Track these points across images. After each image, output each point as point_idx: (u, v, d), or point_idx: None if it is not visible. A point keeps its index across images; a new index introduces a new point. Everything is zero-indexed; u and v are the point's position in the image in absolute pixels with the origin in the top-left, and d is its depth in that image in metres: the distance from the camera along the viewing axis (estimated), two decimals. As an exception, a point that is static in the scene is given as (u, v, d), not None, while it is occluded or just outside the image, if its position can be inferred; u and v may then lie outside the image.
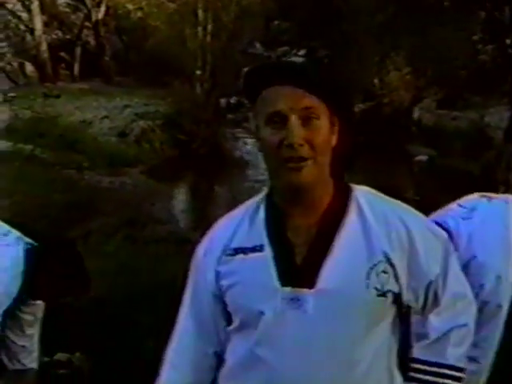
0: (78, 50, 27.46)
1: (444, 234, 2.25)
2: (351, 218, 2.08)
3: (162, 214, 12.73)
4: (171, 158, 18.32)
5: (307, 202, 2.09)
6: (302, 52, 29.11)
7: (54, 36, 28.38)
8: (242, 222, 2.17)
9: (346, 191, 2.16)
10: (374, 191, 2.20)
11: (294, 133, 1.97)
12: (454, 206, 3.65)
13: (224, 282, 2.11)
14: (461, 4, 21.59)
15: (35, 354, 4.34)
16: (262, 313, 2.03)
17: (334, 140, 2.11)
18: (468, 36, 22.26)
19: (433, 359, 2.15)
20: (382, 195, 2.20)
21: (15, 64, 26.48)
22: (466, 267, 3.34)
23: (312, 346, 2.00)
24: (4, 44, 26.74)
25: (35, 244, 3.89)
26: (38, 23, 25.98)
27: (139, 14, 27.87)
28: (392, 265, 2.03)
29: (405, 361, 2.19)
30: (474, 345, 3.39)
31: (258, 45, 29.94)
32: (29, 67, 26.38)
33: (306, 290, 2.00)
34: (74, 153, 16.66)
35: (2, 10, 27.24)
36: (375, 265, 2.02)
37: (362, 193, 2.16)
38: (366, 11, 21.85)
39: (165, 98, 20.90)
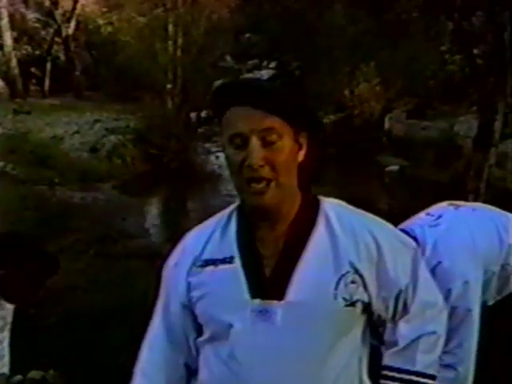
0: (49, 66, 27.34)
1: (412, 242, 2.24)
2: (319, 230, 2.10)
3: (133, 228, 12.67)
4: (143, 173, 18.26)
5: (273, 217, 2.10)
6: (272, 64, 29.17)
7: (24, 52, 28.23)
8: (213, 234, 2.18)
9: (314, 203, 2.18)
10: (342, 203, 2.22)
11: (254, 154, 1.98)
12: (422, 214, 3.71)
13: (194, 294, 2.12)
14: (429, 15, 21.77)
15: (6, 359, 4.36)
16: (231, 325, 2.05)
17: (300, 156, 2.12)
18: (436, 46, 22.45)
19: (402, 366, 2.17)
20: (350, 207, 2.21)
21: (-15, 80, 26.32)
22: (432, 273, 3.39)
23: (281, 357, 2.01)
24: (-26, 60, 26.57)
25: None
26: (8, 39, 25.82)
27: (109, 28, 27.84)
28: (360, 275, 2.04)
29: (375, 370, 2.22)
30: (449, 352, 3.45)
31: (228, 58, 29.99)
32: (-1, 83, 26.23)
33: (275, 302, 2.01)
34: (46, 169, 16.55)
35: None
36: (343, 275, 2.03)
37: (330, 205, 2.18)
38: (338, 25, 22.01)
39: (135, 113, 20.83)
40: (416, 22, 21.96)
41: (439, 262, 3.41)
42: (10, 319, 4.20)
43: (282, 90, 2.16)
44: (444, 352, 3.51)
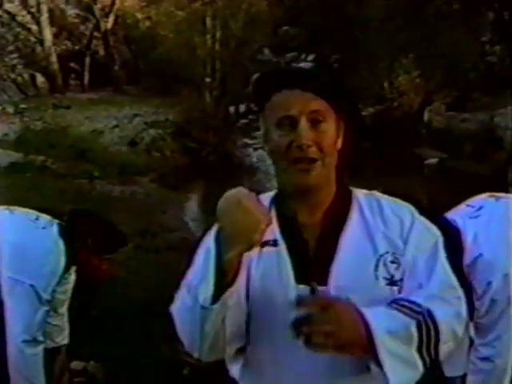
0: (88, 60, 27.51)
1: (437, 231, 2.19)
2: (353, 217, 2.14)
3: (173, 221, 12.74)
4: (182, 166, 18.33)
5: (313, 201, 2.14)
6: (310, 57, 29.10)
7: (64, 47, 28.41)
8: None
9: (347, 192, 2.22)
10: (374, 192, 2.26)
11: (304, 134, 2.04)
12: (462, 206, 3.68)
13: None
14: (469, 6, 21.59)
15: (66, 332, 4.66)
16: (276, 309, 2.07)
17: (339, 143, 2.17)
18: (476, 37, 22.23)
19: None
20: (380, 194, 2.24)
21: (26, 75, 26.55)
22: (472, 265, 3.38)
23: None
24: (14, 56, 26.79)
25: (62, 222, 4.22)
26: (48, 34, 26.04)
27: (148, 23, 27.91)
28: (396, 255, 2.08)
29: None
30: (487, 344, 3.43)
31: (266, 51, 29.93)
32: (39, 78, 26.44)
33: (321, 288, 2.01)
34: (85, 163, 16.68)
35: (12, 23, 27.33)
36: (381, 256, 2.07)
37: (362, 194, 2.22)
38: (376, 17, 21.89)
39: (174, 107, 20.91)
40: (456, 14, 21.77)
41: (480, 255, 3.39)
42: (70, 293, 4.44)
43: (328, 75, 2.19)
44: (482, 344, 3.50)
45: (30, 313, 4.04)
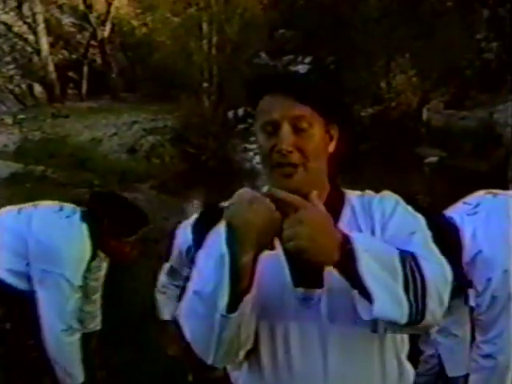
0: (85, 69, 27.55)
1: (422, 218, 2.14)
2: (345, 219, 2.14)
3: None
4: (181, 172, 18.34)
5: None
6: (307, 59, 29.11)
7: (61, 56, 28.46)
8: None
9: (340, 195, 2.22)
10: (367, 191, 2.25)
11: (284, 139, 2.03)
12: (459, 204, 3.69)
13: None
14: (464, 3, 21.62)
15: (98, 319, 4.90)
16: (275, 312, 2.08)
17: (331, 147, 2.16)
18: (472, 35, 22.26)
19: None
20: (373, 193, 2.24)
21: (24, 86, 26.57)
22: (472, 262, 3.38)
23: (328, 343, 2.05)
24: (12, 66, 26.81)
25: (84, 208, 4.31)
26: (45, 44, 26.09)
27: (144, 29, 27.99)
28: None
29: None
30: (489, 341, 3.43)
31: (263, 55, 29.94)
32: (37, 88, 26.46)
33: (317, 290, 2.04)
34: (85, 171, 16.68)
35: (9, 33, 27.37)
36: None
37: (354, 196, 2.22)
38: (372, 18, 21.93)
39: (172, 113, 20.95)
40: (451, 11, 21.79)
41: (479, 251, 3.39)
42: (102, 280, 4.71)
43: (313, 80, 2.18)
44: (484, 342, 3.50)
45: (63, 301, 4.12)
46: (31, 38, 26.90)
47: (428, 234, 2.08)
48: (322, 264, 1.84)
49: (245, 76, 20.47)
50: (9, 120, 22.00)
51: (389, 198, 2.19)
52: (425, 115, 21.95)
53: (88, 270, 4.30)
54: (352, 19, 22.25)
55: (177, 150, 19.13)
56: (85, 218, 4.26)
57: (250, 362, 2.16)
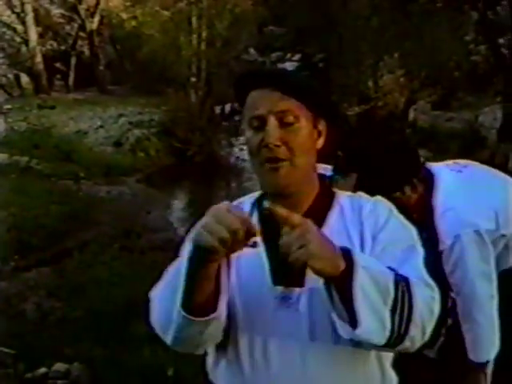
0: (73, 61, 27.47)
1: (415, 231, 2.15)
2: (332, 219, 2.12)
3: (158, 222, 12.70)
4: (167, 167, 18.30)
5: (291, 202, 2.10)
6: (296, 57, 29.13)
7: (49, 47, 28.40)
8: None
9: (329, 194, 2.21)
10: (360, 193, 2.25)
11: (271, 133, 2.02)
12: (450, 161, 3.70)
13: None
14: (453, 5, 21.63)
15: None
16: (253, 310, 2.07)
17: (319, 142, 2.16)
18: (461, 37, 22.29)
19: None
20: (366, 195, 2.23)
21: (10, 76, 26.48)
22: (443, 216, 3.39)
23: (305, 342, 2.03)
24: (-1, 56, 26.78)
25: None
26: (33, 35, 26.01)
27: (133, 22, 27.87)
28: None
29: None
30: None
31: (252, 51, 29.96)
32: (24, 78, 26.39)
33: (296, 289, 2.03)
34: (70, 163, 16.64)
35: (-3, 23, 27.30)
36: None
37: (345, 196, 2.21)
38: (361, 16, 21.92)
39: (159, 107, 20.92)
40: (440, 13, 21.81)
41: (453, 207, 3.39)
42: None
43: (298, 74, 2.19)
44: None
45: None
46: (20, 27, 26.80)
47: (420, 252, 2.07)
48: (328, 274, 1.80)
49: (233, 72, 20.45)
50: (-5, 110, 21.92)
51: (382, 206, 2.18)
52: (411, 116, 21.97)
53: None
54: (342, 17, 22.24)
55: (163, 144, 19.10)
56: None
57: (227, 359, 2.15)
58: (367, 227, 2.09)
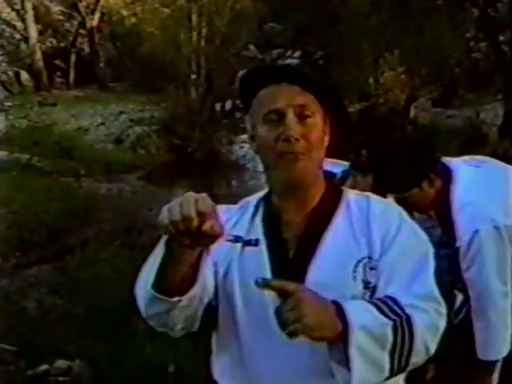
0: (73, 58, 27.45)
1: (427, 242, 2.14)
2: (339, 217, 2.12)
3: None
4: (168, 164, 18.30)
5: (301, 198, 2.12)
6: (297, 54, 29.11)
7: (49, 44, 28.39)
8: (242, 216, 2.23)
9: (337, 192, 2.21)
10: (369, 194, 2.24)
11: (292, 127, 2.02)
12: (467, 157, 3.66)
13: (220, 264, 2.13)
14: (454, 2, 21.61)
15: None
16: (250, 306, 2.08)
17: (326, 140, 2.16)
18: (461, 34, 22.27)
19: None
20: (376, 196, 2.23)
21: (10, 73, 26.45)
22: (460, 210, 3.34)
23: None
24: (-1, 53, 26.75)
25: None
26: (33, 32, 26.00)
27: (133, 19, 27.86)
28: (375, 261, 2.04)
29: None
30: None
31: (252, 48, 29.93)
32: (24, 76, 26.35)
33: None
34: (71, 160, 16.64)
35: (-3, 20, 27.30)
36: (363, 258, 2.04)
37: (353, 194, 2.21)
38: (362, 13, 21.89)
39: (160, 104, 20.91)
40: (440, 10, 21.78)
41: (471, 202, 3.35)
42: None
43: (315, 70, 2.19)
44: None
45: None
46: (19, 25, 26.81)
47: (431, 260, 2.07)
48: (327, 340, 1.83)
49: (234, 68, 20.44)
50: (-5, 107, 21.93)
51: (392, 210, 2.18)
52: (412, 113, 21.95)
53: None
54: (342, 14, 22.22)
55: (163, 141, 19.08)
56: None
57: (229, 355, 2.17)
58: (376, 230, 2.08)
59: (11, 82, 26.00)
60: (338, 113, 2.22)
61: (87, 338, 6.36)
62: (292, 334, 1.74)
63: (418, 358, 1.93)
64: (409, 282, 2.01)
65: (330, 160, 2.37)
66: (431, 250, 2.11)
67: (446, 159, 3.56)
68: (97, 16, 27.64)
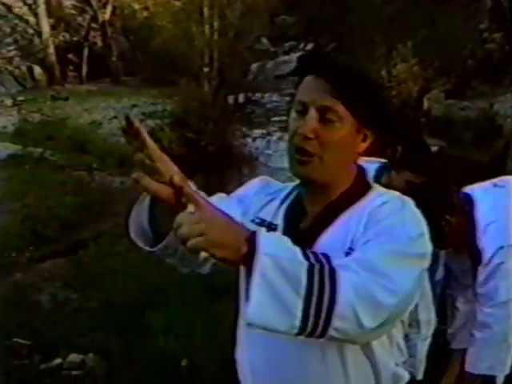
0: (86, 52, 27.49)
1: (423, 254, 2.01)
2: (351, 212, 2.11)
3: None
4: (180, 157, 18.20)
5: (317, 191, 2.14)
6: (309, 46, 29.09)
7: (62, 38, 28.40)
8: (273, 200, 2.29)
9: (364, 187, 2.19)
10: (402, 197, 2.14)
11: (307, 123, 2.02)
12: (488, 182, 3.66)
13: None
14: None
15: None
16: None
17: (363, 146, 2.13)
18: (475, 25, 22.18)
19: None
20: (400, 200, 2.12)
21: (23, 67, 26.50)
22: (484, 230, 3.35)
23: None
24: (12, 48, 26.75)
25: None
26: (45, 26, 26.04)
27: (145, 13, 27.90)
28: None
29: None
30: (485, 312, 3.40)
31: (264, 40, 29.94)
32: (37, 70, 26.38)
33: None
34: (84, 154, 16.64)
35: (10, 14, 27.32)
36: (349, 249, 2.01)
37: (380, 194, 2.16)
38: (374, 5, 21.85)
39: (172, 97, 20.87)
40: (453, 1, 21.71)
41: (494, 221, 3.35)
42: None
43: (358, 82, 2.10)
44: (481, 312, 3.47)
45: None
46: (32, 19, 26.87)
47: (399, 248, 1.93)
48: (231, 262, 1.76)
49: (246, 61, 20.42)
50: (8, 101, 21.95)
51: (397, 200, 2.11)
52: (425, 105, 21.88)
53: None
54: (354, 6, 22.19)
55: (176, 134, 19.04)
56: None
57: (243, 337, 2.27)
58: (365, 220, 2.05)
59: (24, 76, 26.02)
60: (377, 129, 2.16)
61: (101, 331, 6.38)
62: (193, 249, 1.69)
63: (344, 325, 1.78)
64: (363, 246, 1.96)
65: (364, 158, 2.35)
66: (425, 259, 2.01)
67: (468, 189, 3.53)
68: (109, 10, 27.63)
